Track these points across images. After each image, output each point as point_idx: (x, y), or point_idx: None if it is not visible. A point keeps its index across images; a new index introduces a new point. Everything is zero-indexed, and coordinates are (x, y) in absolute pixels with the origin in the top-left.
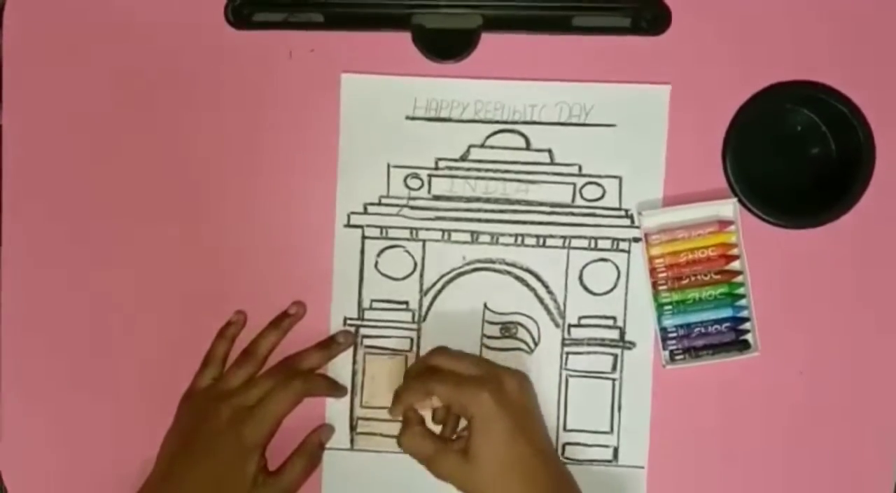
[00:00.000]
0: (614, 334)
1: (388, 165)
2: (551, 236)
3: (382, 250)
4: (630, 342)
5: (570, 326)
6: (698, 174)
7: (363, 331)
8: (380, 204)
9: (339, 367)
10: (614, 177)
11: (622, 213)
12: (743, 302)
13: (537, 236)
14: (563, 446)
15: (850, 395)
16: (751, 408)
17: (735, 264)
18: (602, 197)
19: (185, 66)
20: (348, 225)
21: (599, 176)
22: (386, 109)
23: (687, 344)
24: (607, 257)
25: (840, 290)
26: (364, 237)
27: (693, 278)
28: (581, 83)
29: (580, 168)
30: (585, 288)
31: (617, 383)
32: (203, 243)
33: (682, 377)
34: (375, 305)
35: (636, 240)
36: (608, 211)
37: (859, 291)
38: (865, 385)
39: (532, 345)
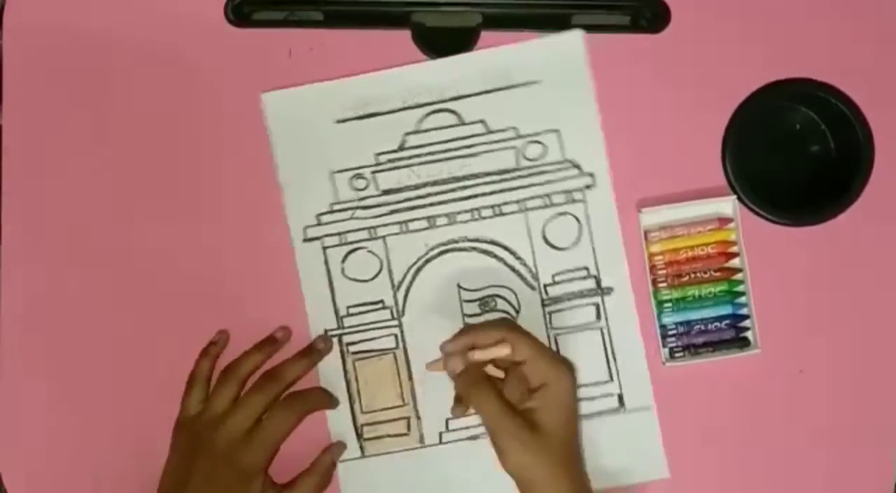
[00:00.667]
0: (590, 284)
1: (331, 172)
2: (506, 203)
3: (346, 256)
4: (608, 288)
5: (545, 286)
6: (698, 172)
7: (346, 338)
8: (332, 211)
9: (333, 378)
10: (552, 131)
11: (568, 164)
12: (743, 300)
13: (492, 207)
14: None
15: (850, 393)
16: (750, 406)
17: (735, 262)
18: (545, 154)
19: (186, 65)
20: (306, 239)
21: (537, 134)
22: (314, 117)
23: (686, 342)
24: (565, 211)
25: (840, 287)
26: (325, 247)
27: (693, 276)
28: (495, 48)
29: (517, 131)
30: (551, 246)
31: (605, 330)
32: (202, 244)
33: (681, 375)
34: (352, 310)
35: (588, 187)
36: (554, 165)
37: (859, 288)
38: (866, 384)
39: (514, 313)
